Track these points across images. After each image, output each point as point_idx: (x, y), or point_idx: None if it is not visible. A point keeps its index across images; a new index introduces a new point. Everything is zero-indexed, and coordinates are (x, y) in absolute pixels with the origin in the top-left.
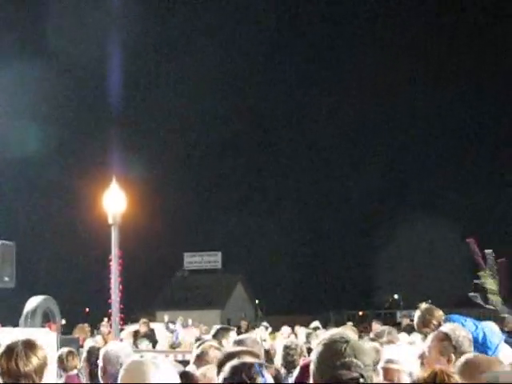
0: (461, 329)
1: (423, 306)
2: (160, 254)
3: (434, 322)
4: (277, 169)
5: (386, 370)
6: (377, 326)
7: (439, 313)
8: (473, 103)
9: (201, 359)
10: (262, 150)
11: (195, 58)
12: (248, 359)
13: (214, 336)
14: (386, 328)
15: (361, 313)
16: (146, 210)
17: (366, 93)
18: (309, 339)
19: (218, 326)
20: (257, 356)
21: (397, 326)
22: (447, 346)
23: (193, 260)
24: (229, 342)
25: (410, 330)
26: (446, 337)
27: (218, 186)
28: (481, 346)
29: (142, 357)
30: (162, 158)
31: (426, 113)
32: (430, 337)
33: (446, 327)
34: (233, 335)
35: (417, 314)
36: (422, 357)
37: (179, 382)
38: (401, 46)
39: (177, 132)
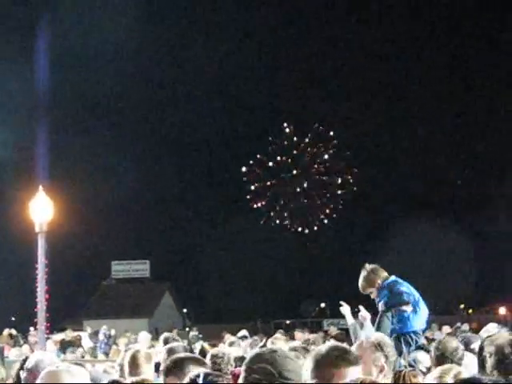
0: (386, 337)
1: (368, 265)
2: (87, 263)
3: (379, 282)
4: (209, 178)
5: None
6: (300, 335)
7: (384, 273)
8: (473, 98)
9: (132, 367)
10: (193, 157)
11: (131, 56)
12: (195, 367)
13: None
14: (318, 336)
15: (288, 322)
16: (73, 218)
17: (359, 95)
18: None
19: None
20: (203, 363)
21: (324, 333)
22: (379, 356)
23: (121, 268)
24: (156, 351)
25: (341, 338)
26: (379, 346)
27: (146, 194)
28: None
29: (57, 367)
30: (89, 166)
31: (425, 108)
32: (357, 345)
33: (375, 337)
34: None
35: (362, 273)
36: None
37: None
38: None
39: (105, 141)
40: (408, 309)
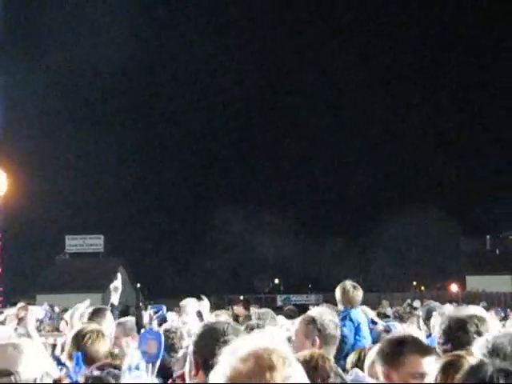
0: (327, 313)
1: (349, 282)
2: (42, 237)
3: (346, 304)
4: (160, 151)
5: None
6: (254, 310)
7: (357, 295)
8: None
9: None
10: (150, 135)
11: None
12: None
13: (91, 318)
14: (269, 311)
15: (242, 297)
16: (27, 191)
17: (362, 87)
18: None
19: (92, 308)
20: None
21: (278, 309)
22: (312, 329)
23: (75, 243)
24: (107, 323)
25: (292, 315)
26: (312, 320)
27: (101, 168)
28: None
29: (7, 340)
30: (44, 140)
31: (423, 106)
32: (297, 320)
33: (313, 311)
34: (109, 316)
35: (340, 290)
36: (289, 340)
37: (48, 364)
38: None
39: (60, 112)
40: None
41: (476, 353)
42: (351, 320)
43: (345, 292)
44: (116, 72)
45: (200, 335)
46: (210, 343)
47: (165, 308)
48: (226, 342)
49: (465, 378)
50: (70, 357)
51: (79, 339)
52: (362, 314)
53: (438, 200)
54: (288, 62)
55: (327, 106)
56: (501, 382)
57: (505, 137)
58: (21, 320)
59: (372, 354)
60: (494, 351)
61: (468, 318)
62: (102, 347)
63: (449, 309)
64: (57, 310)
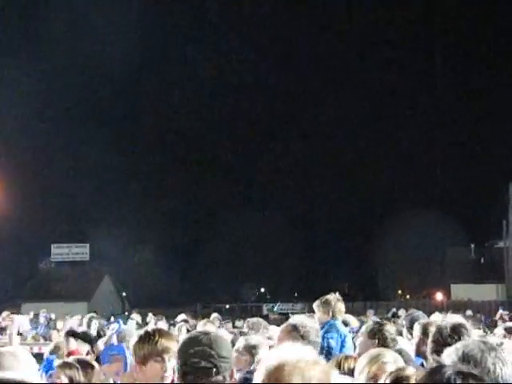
0: (308, 319)
1: (333, 295)
2: (27, 245)
3: (327, 316)
4: (147, 158)
5: None
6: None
7: (339, 309)
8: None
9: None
10: (132, 142)
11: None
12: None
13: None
14: (261, 320)
15: (228, 306)
16: (12, 199)
17: (362, 90)
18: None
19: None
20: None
21: (264, 318)
22: (296, 336)
23: (60, 251)
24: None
25: (278, 324)
26: (294, 328)
27: (86, 176)
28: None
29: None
30: (28, 148)
31: (426, 109)
32: (280, 329)
33: (293, 319)
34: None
35: (323, 300)
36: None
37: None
38: None
39: (46, 123)
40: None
41: (446, 361)
42: (338, 332)
43: (327, 303)
44: (114, 90)
45: (181, 343)
46: (183, 351)
47: (122, 321)
48: (196, 353)
49: (424, 379)
50: None
51: None
52: (343, 326)
53: (423, 209)
54: (299, 70)
55: (330, 117)
56: (458, 383)
57: (489, 145)
58: (3, 329)
59: (361, 362)
60: (465, 359)
61: (459, 326)
62: None
63: (437, 317)
64: (42, 319)
